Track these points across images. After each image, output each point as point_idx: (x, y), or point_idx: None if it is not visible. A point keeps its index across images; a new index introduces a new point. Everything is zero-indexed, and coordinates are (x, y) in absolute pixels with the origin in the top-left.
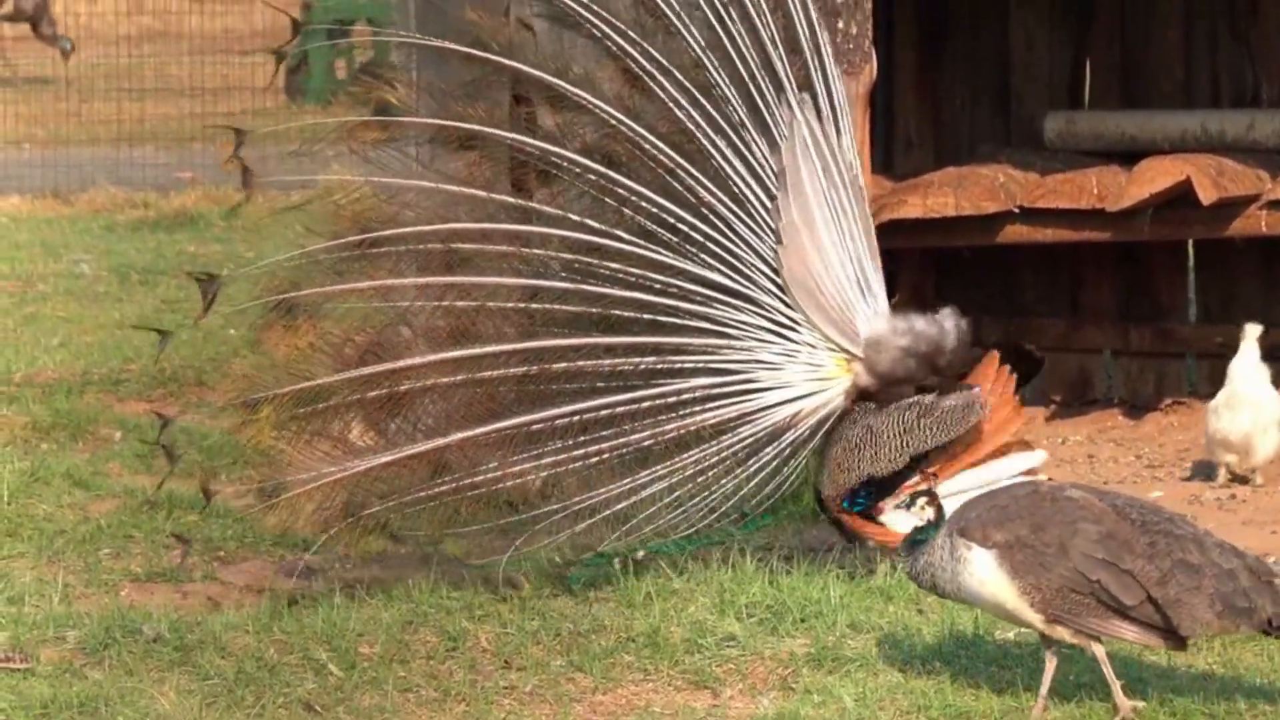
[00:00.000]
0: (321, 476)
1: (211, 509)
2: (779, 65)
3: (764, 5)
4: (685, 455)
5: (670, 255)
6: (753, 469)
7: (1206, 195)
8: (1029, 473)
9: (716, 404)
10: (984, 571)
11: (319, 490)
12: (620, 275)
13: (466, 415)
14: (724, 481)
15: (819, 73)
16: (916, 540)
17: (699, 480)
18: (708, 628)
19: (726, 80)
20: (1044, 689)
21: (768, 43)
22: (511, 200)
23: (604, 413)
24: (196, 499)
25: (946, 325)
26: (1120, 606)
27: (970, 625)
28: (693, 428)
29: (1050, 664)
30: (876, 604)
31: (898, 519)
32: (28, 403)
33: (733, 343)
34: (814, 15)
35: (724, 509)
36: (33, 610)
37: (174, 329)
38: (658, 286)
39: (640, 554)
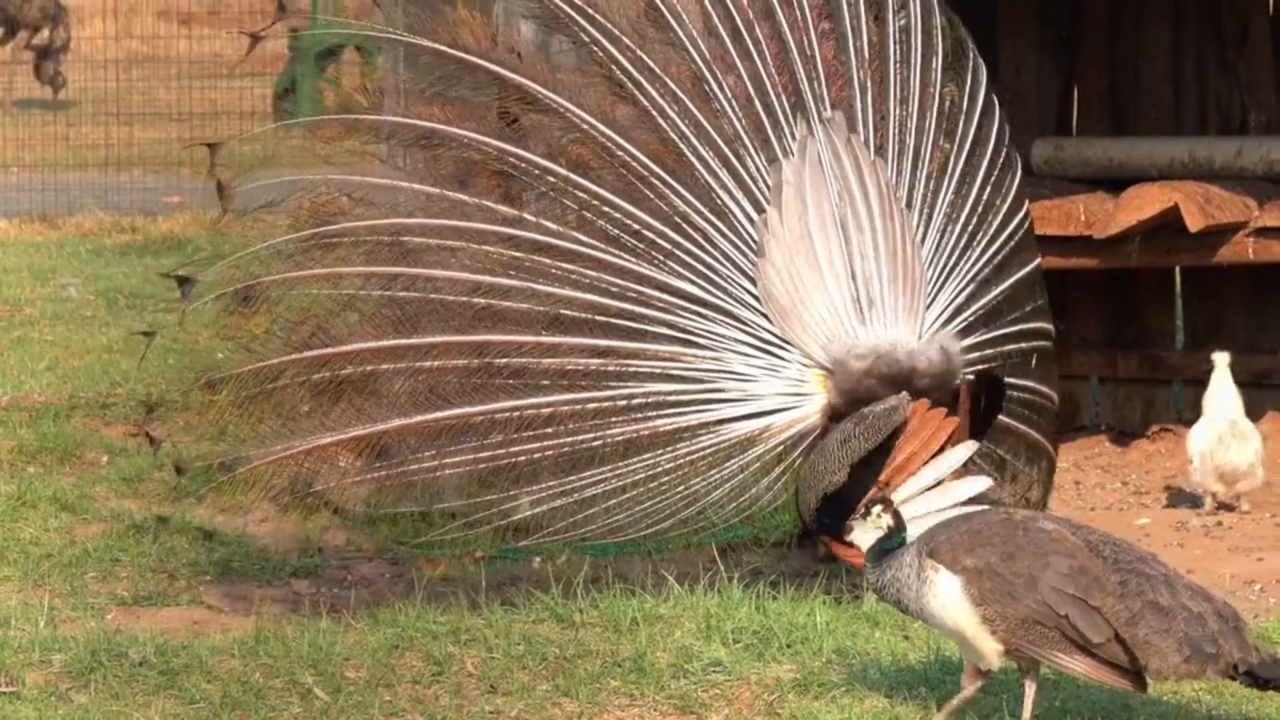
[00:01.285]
0: (272, 453)
1: (196, 532)
2: (805, 84)
3: (808, 24)
4: (635, 459)
5: (633, 260)
6: (714, 479)
7: (1194, 222)
8: (965, 472)
9: (673, 411)
10: (948, 595)
11: (270, 465)
12: (573, 276)
13: (408, 403)
14: (680, 489)
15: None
16: (885, 549)
17: (651, 485)
18: (694, 653)
19: (729, 94)
20: (1026, 715)
21: (797, 61)
22: (459, 197)
23: (545, 410)
24: (184, 523)
25: (916, 350)
26: (1086, 643)
27: (957, 651)
28: (645, 432)
29: (1030, 689)
30: (863, 630)
31: (863, 536)
32: (14, 426)
33: (699, 352)
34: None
35: (682, 516)
36: (18, 634)
37: (157, 339)
38: (614, 290)
39: (560, 556)
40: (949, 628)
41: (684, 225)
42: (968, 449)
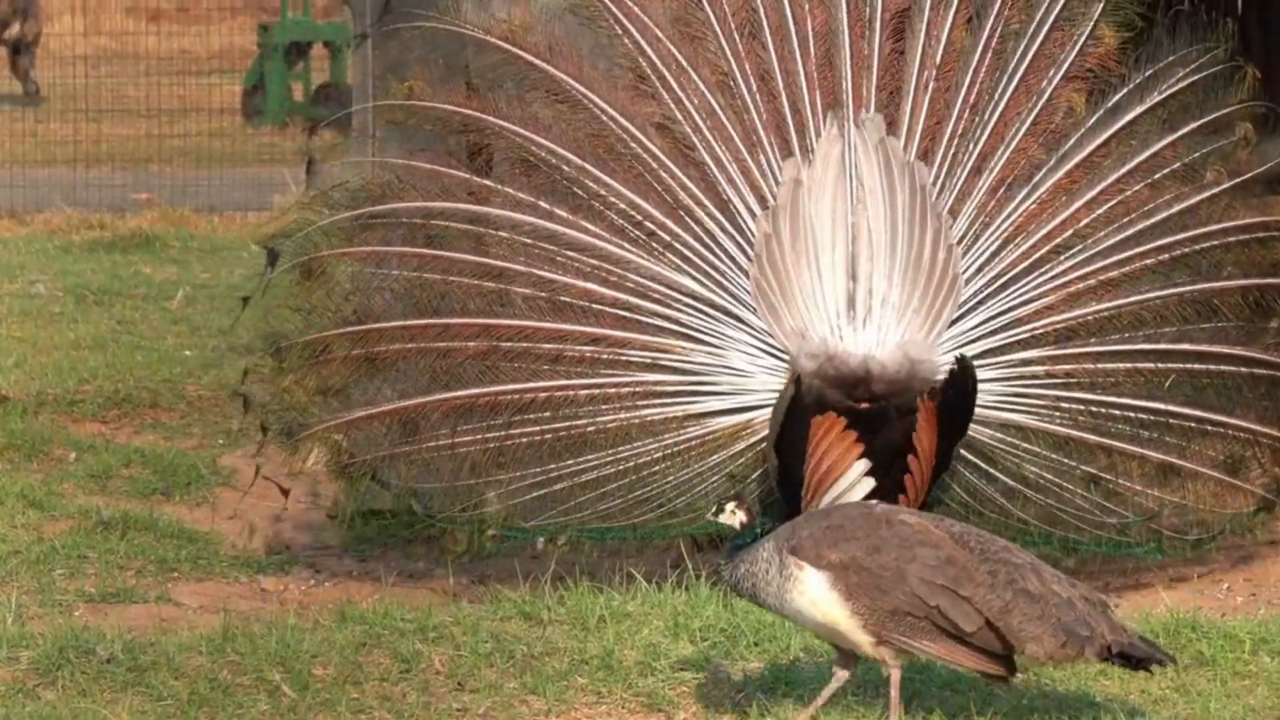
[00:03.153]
0: (322, 422)
1: (163, 529)
2: (847, 83)
3: (871, 22)
4: (625, 447)
5: (634, 251)
6: (702, 471)
7: None
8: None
9: (661, 401)
10: (816, 591)
11: (321, 434)
12: (574, 264)
13: (429, 382)
14: (670, 479)
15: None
16: (737, 545)
17: (642, 474)
18: (662, 651)
19: (753, 89)
20: (821, 701)
21: (846, 60)
22: (484, 183)
23: (543, 395)
24: (150, 520)
25: (873, 356)
26: (959, 632)
27: None
28: (635, 421)
29: (838, 678)
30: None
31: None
32: None
33: (694, 345)
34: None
35: (672, 505)
36: None
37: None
38: (613, 280)
39: (561, 538)
40: (817, 622)
41: (686, 219)
42: (863, 466)
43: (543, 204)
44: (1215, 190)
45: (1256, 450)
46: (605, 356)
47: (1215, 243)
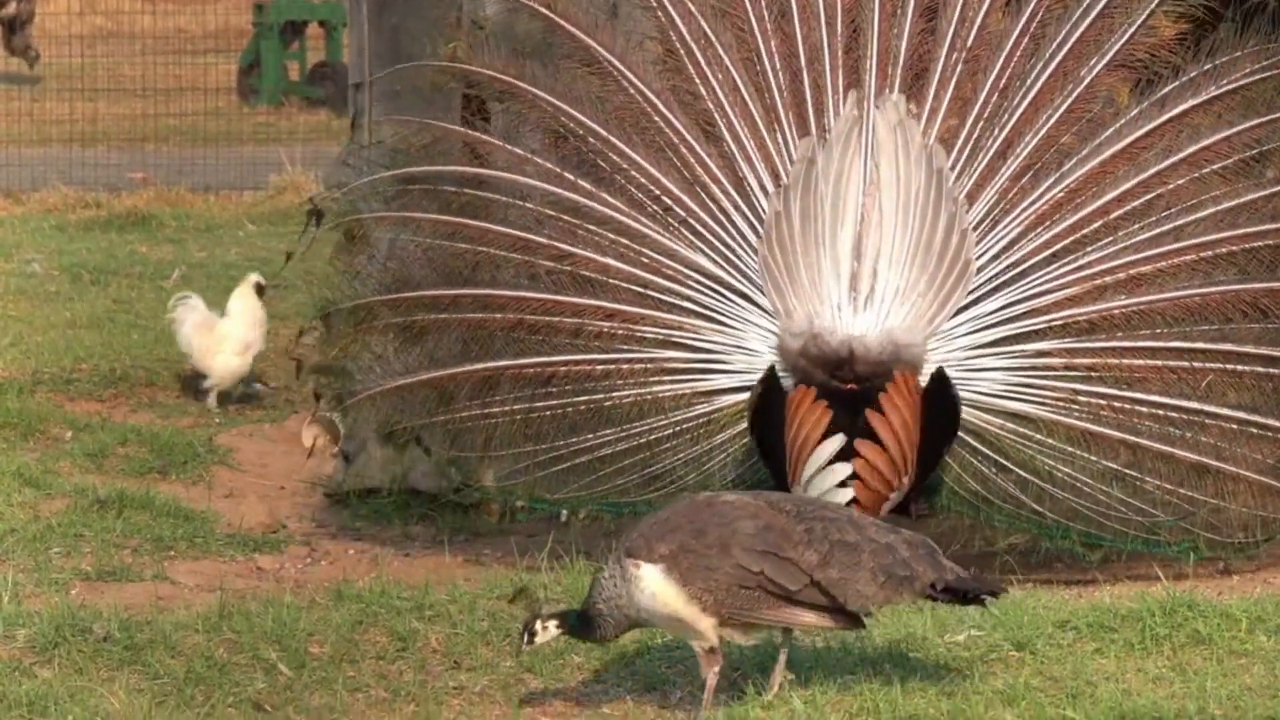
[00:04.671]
0: (371, 387)
1: (160, 508)
2: (871, 63)
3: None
4: (639, 423)
5: (651, 226)
6: (708, 448)
7: None
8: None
9: (672, 379)
10: (654, 584)
11: (370, 399)
12: (595, 239)
13: (463, 353)
14: (680, 455)
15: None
16: (573, 624)
17: (654, 450)
18: (657, 630)
19: (776, 65)
20: (708, 698)
21: (872, 40)
22: (518, 151)
23: (562, 369)
24: (146, 498)
25: (855, 337)
26: (786, 593)
27: (920, 628)
28: (648, 397)
29: (782, 656)
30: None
31: (550, 641)
32: None
33: (705, 324)
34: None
35: (686, 481)
36: None
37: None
38: (629, 255)
39: (581, 511)
40: (665, 615)
41: (702, 194)
42: (837, 442)
43: (568, 175)
44: (1276, 189)
45: None
46: (620, 332)
47: (1270, 242)
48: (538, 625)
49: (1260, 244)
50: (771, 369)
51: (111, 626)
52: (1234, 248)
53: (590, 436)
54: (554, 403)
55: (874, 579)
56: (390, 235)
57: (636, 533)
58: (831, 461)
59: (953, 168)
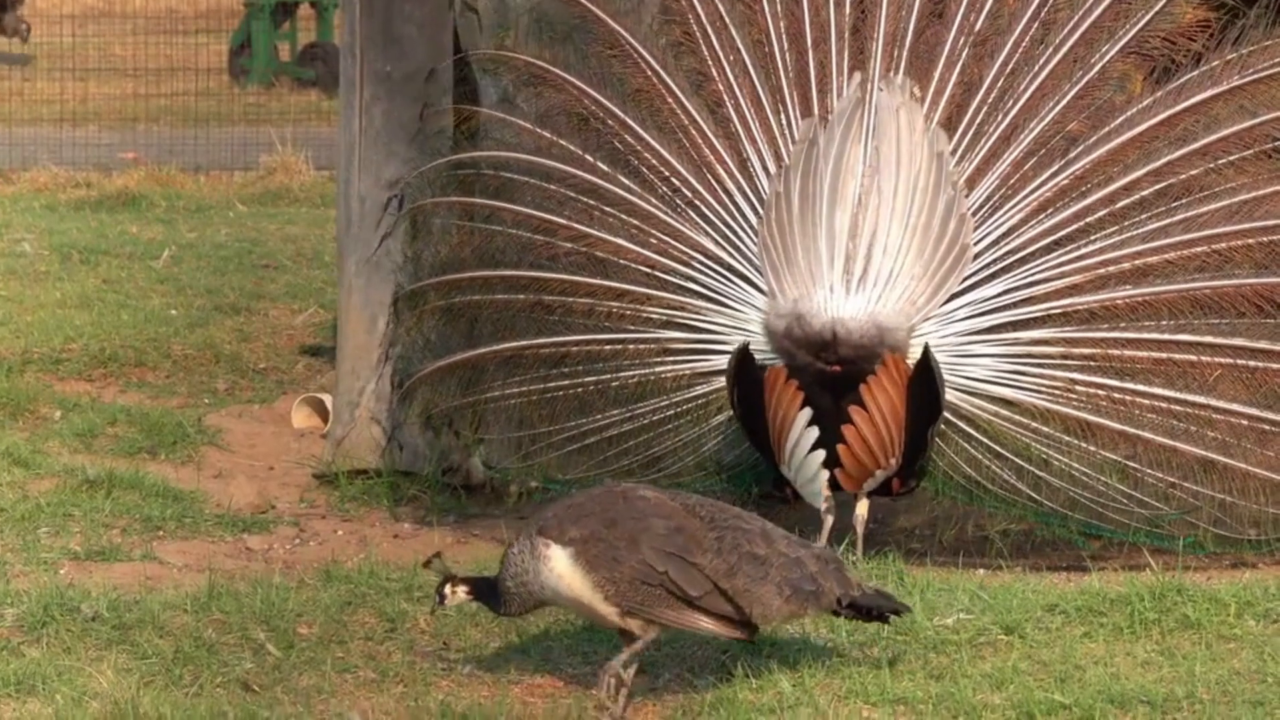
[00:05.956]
0: (419, 370)
1: (149, 488)
2: (878, 44)
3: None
4: (643, 403)
5: (659, 207)
6: (705, 430)
7: None
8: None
9: (673, 359)
10: (561, 566)
11: (418, 382)
12: (609, 219)
13: (490, 334)
14: (681, 436)
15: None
16: (482, 592)
17: (656, 431)
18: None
19: (784, 46)
20: (627, 673)
21: (881, 20)
22: (544, 134)
23: (574, 349)
24: (135, 478)
25: (839, 319)
26: (687, 597)
27: (905, 620)
28: (651, 377)
29: (633, 645)
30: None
31: (455, 606)
32: None
33: (709, 305)
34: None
35: (687, 462)
36: None
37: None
38: (639, 236)
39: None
40: (569, 598)
41: (708, 175)
42: (806, 416)
43: (588, 157)
44: None
45: None
46: (629, 312)
47: None
48: (448, 589)
49: (1279, 238)
50: (743, 347)
51: (100, 606)
52: (1249, 240)
53: (600, 417)
54: (566, 383)
55: (779, 592)
56: (440, 221)
57: (551, 512)
58: (811, 443)
59: (954, 152)
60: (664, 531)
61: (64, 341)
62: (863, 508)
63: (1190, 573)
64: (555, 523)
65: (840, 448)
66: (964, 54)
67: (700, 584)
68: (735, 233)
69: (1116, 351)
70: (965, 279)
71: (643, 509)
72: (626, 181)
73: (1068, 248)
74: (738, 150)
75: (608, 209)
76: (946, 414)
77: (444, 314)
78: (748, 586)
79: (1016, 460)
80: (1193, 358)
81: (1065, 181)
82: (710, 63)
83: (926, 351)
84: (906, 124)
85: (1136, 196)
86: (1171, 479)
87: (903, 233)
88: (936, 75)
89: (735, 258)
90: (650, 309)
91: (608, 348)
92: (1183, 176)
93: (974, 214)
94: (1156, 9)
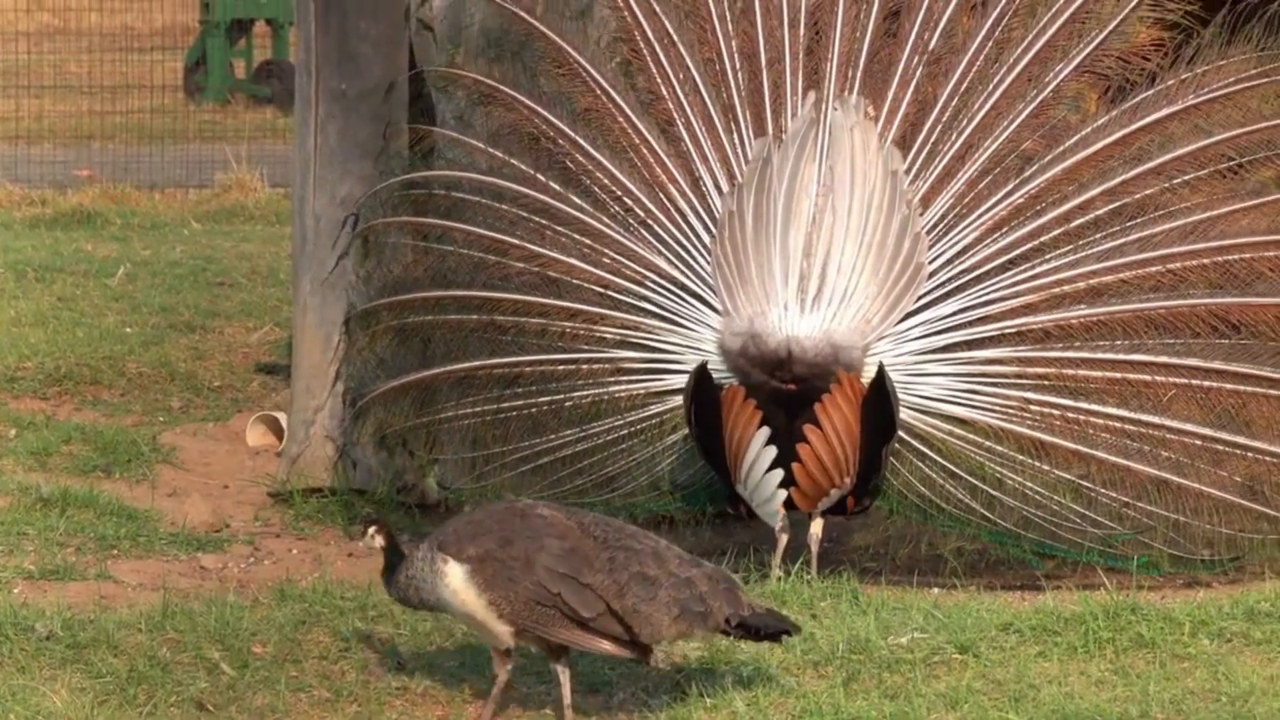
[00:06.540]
0: (371, 390)
1: (103, 507)
2: (832, 64)
3: (869, 4)
4: (596, 423)
5: (612, 227)
6: (659, 450)
7: None
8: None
9: (627, 379)
10: (456, 583)
11: (370, 402)
12: (562, 239)
13: (444, 354)
14: (635, 456)
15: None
16: (390, 567)
17: (609, 450)
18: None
19: (736, 65)
20: (566, 699)
21: (835, 40)
22: (496, 154)
23: (528, 369)
24: (90, 497)
25: (794, 338)
26: (580, 619)
27: (864, 630)
28: (605, 397)
29: (563, 675)
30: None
31: (371, 552)
32: None
33: (662, 325)
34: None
35: (641, 482)
36: None
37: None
38: (592, 256)
39: None
40: (463, 613)
41: (660, 195)
42: (764, 435)
43: (540, 177)
44: (1258, 201)
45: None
46: (582, 332)
47: (1245, 256)
48: (374, 530)
49: (1235, 258)
50: (702, 367)
51: (54, 625)
52: (1204, 260)
53: (553, 437)
54: (520, 403)
55: (668, 612)
56: (393, 240)
57: (451, 527)
58: (769, 462)
59: (909, 170)
60: (558, 552)
61: (19, 359)
62: (817, 526)
63: (1144, 592)
64: (454, 539)
65: (795, 466)
66: (918, 73)
67: (593, 605)
68: (689, 252)
69: (1071, 371)
70: (920, 298)
71: (539, 528)
72: (578, 201)
73: (1022, 267)
74: (689, 169)
75: (560, 228)
76: (901, 433)
77: (397, 334)
78: (636, 606)
79: (970, 479)
80: (1147, 378)
81: (1020, 200)
82: (660, 81)
83: (881, 370)
84: (861, 143)
85: (1091, 216)
86: (1125, 499)
87: (857, 251)
88: (891, 94)
89: (689, 277)
90: (604, 329)
91: (561, 368)
92: (1138, 196)
93: (928, 233)
94: (1110, 28)
